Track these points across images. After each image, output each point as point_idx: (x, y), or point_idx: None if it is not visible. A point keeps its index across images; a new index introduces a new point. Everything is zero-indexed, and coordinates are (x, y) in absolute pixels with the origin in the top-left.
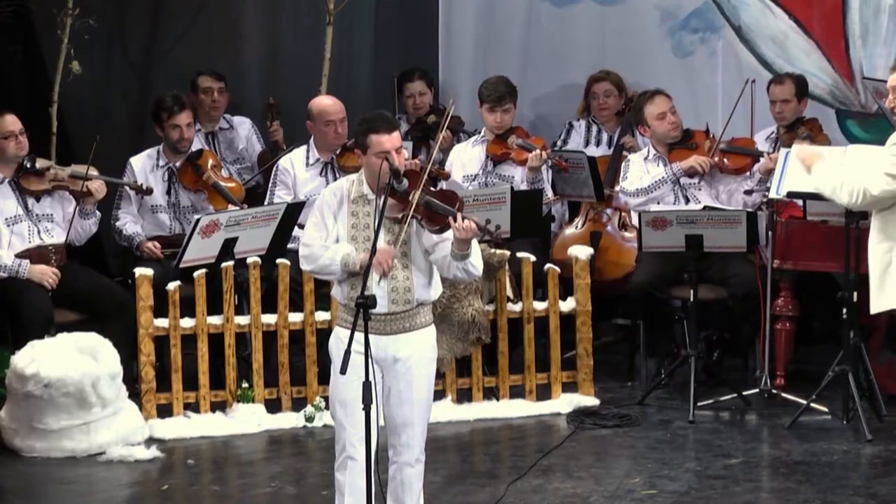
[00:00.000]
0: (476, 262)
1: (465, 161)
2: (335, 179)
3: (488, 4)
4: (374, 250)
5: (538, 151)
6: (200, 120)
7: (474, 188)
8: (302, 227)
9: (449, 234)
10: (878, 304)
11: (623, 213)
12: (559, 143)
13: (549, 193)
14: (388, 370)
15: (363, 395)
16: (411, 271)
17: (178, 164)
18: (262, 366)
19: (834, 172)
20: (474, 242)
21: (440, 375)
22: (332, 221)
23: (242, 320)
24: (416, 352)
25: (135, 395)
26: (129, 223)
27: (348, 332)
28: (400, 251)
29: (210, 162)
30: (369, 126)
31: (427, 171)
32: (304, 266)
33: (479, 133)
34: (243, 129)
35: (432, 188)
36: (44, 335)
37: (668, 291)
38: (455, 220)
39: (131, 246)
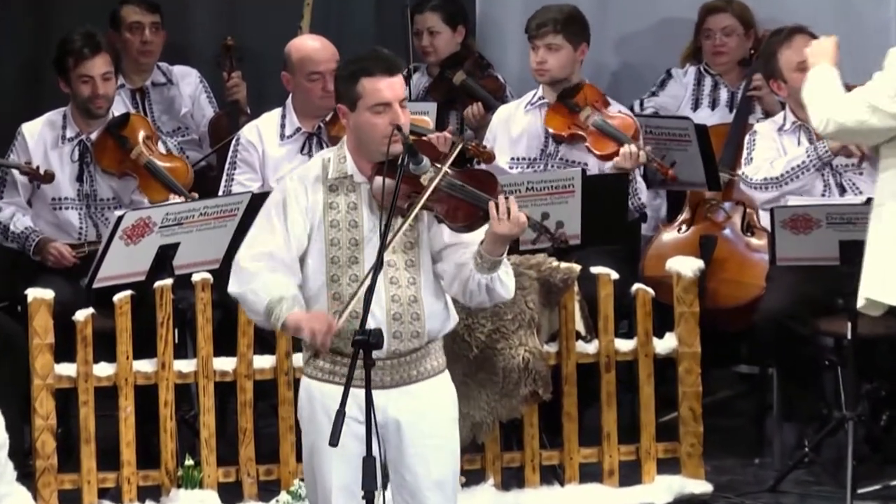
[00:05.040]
0: (507, 280)
1: (513, 133)
2: None
3: None
4: (380, 261)
5: (630, 148)
6: (125, 71)
7: (528, 173)
8: None
9: (474, 234)
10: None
11: (749, 209)
12: (647, 99)
13: (639, 183)
14: (391, 438)
15: (364, 476)
16: (420, 289)
17: (93, 135)
18: (214, 433)
19: (827, 85)
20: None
21: (477, 448)
22: (300, 221)
23: (185, 366)
24: (430, 411)
25: (27, 475)
26: (18, 216)
27: (324, 385)
28: (404, 260)
29: (141, 131)
30: (359, 68)
31: (458, 146)
32: (232, 286)
33: (537, 93)
34: (188, 84)
35: (456, 167)
36: None
37: (815, 324)
38: (497, 209)
39: (24, 248)
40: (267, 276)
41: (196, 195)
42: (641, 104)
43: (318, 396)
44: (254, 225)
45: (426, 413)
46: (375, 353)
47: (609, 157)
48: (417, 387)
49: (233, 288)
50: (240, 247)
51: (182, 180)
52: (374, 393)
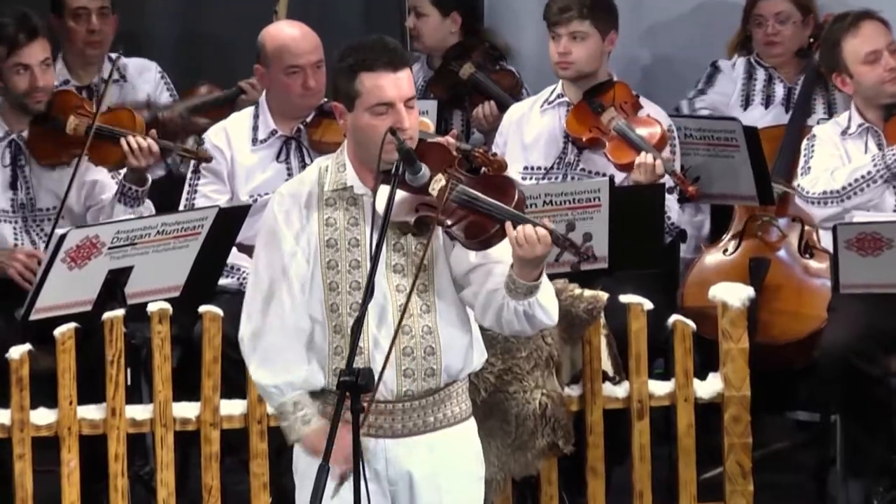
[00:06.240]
0: (547, 304)
1: (526, 138)
2: (303, 167)
3: None
4: (370, 287)
5: (646, 158)
6: (70, 65)
7: (545, 184)
8: (243, 248)
9: (500, 251)
10: None
11: (807, 227)
12: (696, 98)
13: (669, 200)
14: (402, 498)
15: None
16: (435, 318)
17: (25, 132)
18: (173, 492)
19: None
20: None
21: None
22: (295, 251)
23: (140, 413)
24: (450, 465)
25: None
26: None
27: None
28: (418, 283)
29: (69, 102)
30: (357, 60)
31: (455, 146)
32: (258, 374)
33: (556, 89)
34: (145, 80)
35: (468, 173)
36: None
37: (885, 363)
38: (514, 227)
39: None
40: (284, 367)
41: (155, 134)
42: (691, 104)
43: None
44: (252, 266)
45: (443, 467)
46: (383, 396)
47: (628, 168)
48: (435, 436)
49: (260, 378)
50: (244, 302)
51: (134, 128)
52: (384, 443)
